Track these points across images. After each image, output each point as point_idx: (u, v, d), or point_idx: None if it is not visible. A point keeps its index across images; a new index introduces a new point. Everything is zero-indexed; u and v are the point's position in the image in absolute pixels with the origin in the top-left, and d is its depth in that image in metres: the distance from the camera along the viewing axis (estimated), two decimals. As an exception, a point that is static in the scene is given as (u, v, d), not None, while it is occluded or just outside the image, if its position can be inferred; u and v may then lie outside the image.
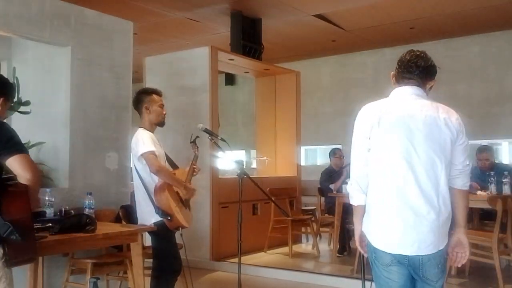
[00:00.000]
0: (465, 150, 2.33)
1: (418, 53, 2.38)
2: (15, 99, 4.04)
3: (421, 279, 2.29)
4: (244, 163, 3.71)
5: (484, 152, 6.06)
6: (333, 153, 7.31)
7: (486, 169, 5.88)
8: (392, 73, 2.45)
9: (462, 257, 2.38)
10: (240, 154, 12.45)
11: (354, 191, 2.36)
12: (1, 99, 2.66)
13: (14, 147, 2.43)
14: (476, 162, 6.07)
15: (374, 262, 2.34)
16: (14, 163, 2.40)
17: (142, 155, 3.61)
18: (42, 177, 2.55)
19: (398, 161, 2.24)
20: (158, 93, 3.87)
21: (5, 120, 2.72)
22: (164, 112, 3.84)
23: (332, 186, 6.89)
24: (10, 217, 2.28)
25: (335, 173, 6.95)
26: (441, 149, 2.25)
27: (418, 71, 2.34)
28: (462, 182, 2.35)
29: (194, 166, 3.93)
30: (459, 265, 2.42)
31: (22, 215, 2.37)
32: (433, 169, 2.24)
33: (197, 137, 4.00)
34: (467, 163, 2.35)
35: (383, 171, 2.28)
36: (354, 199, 2.38)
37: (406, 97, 2.34)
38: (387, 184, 2.27)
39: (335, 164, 7.20)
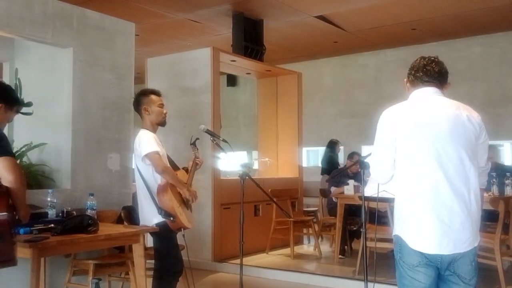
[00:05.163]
0: (487, 148, 2.42)
1: (433, 58, 2.51)
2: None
3: (452, 277, 2.27)
4: (250, 165, 3.71)
5: (491, 151, 6.17)
6: (351, 156, 7.22)
7: (492, 168, 5.99)
8: (406, 79, 2.53)
9: None
10: (242, 155, 12.43)
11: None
12: (1, 105, 2.54)
13: None
14: None
15: (399, 262, 2.35)
16: None
17: (146, 155, 3.60)
18: (25, 180, 2.45)
19: (428, 161, 2.28)
20: (156, 93, 3.84)
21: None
22: (165, 112, 3.82)
23: (332, 190, 6.83)
24: None
25: (344, 176, 6.88)
26: (467, 144, 2.31)
27: (436, 74, 2.46)
28: (482, 181, 2.43)
29: (197, 160, 3.92)
30: None
31: None
32: (462, 164, 2.28)
33: (197, 138, 3.99)
34: (488, 162, 2.45)
35: (414, 172, 2.31)
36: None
37: (427, 97, 2.43)
38: (419, 185, 2.29)
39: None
